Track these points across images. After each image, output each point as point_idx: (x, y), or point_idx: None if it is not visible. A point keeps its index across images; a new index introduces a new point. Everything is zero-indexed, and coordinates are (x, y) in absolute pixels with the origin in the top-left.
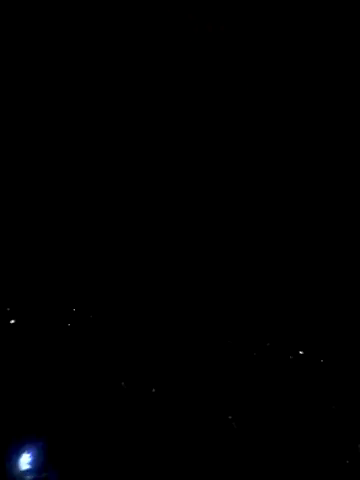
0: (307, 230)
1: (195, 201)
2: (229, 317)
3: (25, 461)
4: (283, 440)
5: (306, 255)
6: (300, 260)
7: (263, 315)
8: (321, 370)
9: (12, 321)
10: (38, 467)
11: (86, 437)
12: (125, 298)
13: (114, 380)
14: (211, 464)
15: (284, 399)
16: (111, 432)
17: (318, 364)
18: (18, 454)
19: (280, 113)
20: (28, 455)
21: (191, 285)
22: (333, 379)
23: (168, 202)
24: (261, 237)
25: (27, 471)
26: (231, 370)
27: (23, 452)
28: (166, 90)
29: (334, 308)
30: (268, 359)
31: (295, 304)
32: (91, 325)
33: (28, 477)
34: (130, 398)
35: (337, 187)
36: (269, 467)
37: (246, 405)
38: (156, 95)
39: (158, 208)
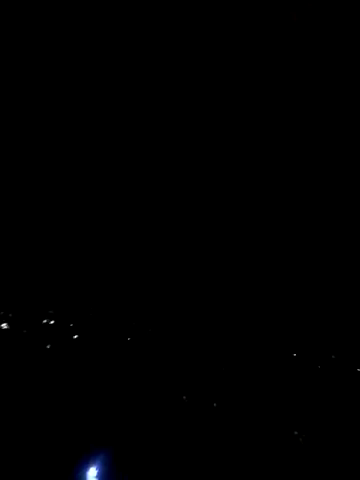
0: (308, 230)
1: (195, 198)
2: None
3: (92, 474)
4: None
5: (309, 257)
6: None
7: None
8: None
9: (71, 328)
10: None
11: (150, 451)
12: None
13: (175, 395)
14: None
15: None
16: (172, 445)
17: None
18: (86, 467)
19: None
20: (95, 468)
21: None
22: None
23: (168, 199)
24: (262, 237)
25: None
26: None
27: (91, 465)
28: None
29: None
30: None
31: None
32: (148, 339)
33: None
34: (190, 412)
35: (336, 186)
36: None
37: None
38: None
39: (158, 205)
